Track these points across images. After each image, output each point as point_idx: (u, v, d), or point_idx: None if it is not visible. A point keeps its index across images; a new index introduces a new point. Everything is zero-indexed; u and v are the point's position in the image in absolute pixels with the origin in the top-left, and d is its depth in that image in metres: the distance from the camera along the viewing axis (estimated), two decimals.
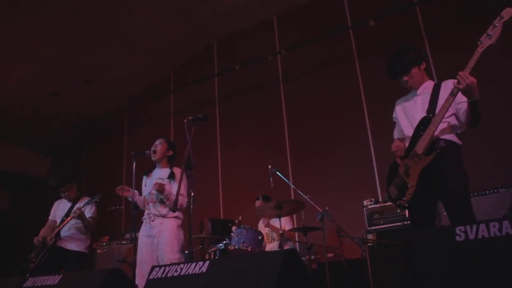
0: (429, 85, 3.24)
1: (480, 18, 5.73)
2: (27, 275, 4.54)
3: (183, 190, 3.98)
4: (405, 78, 3.22)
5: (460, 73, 2.77)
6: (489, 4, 5.62)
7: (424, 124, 3.02)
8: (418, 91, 3.25)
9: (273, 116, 7.47)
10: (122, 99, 9.32)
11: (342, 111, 6.78)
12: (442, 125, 3.01)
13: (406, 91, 3.41)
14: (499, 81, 5.47)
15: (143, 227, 4.35)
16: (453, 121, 3.08)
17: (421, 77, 3.24)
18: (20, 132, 9.02)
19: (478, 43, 2.84)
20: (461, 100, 2.94)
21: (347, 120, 6.71)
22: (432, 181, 2.98)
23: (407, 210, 4.08)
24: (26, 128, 9.02)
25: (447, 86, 3.06)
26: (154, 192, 4.26)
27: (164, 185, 4.16)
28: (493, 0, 5.59)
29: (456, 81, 2.82)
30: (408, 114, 3.28)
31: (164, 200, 4.17)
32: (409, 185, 3.02)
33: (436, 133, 2.98)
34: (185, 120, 3.57)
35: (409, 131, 3.19)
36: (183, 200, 4.11)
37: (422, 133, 3.00)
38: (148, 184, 4.42)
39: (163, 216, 4.23)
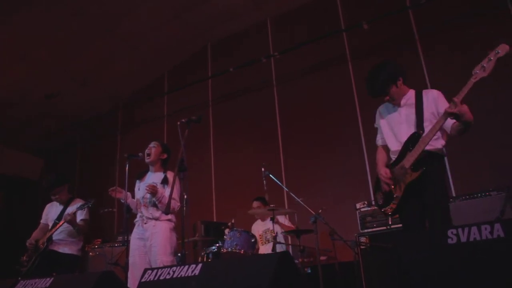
0: (411, 95, 3.31)
1: (472, 21, 5.78)
2: (19, 278, 4.51)
3: (175, 194, 3.98)
4: (386, 98, 3.32)
5: (453, 99, 2.86)
6: (482, 9, 5.69)
7: (413, 140, 3.11)
8: (401, 102, 3.32)
9: (266, 118, 7.47)
10: (116, 101, 9.29)
11: (335, 113, 6.79)
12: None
13: None
14: (491, 84, 5.50)
15: (135, 229, 4.33)
16: (440, 134, 3.16)
17: (400, 92, 3.30)
18: (13, 133, 8.96)
19: (472, 73, 2.90)
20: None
21: (340, 123, 6.72)
22: (418, 192, 3.08)
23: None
24: (19, 129, 8.96)
25: (429, 97, 3.20)
26: (148, 195, 4.25)
27: (157, 187, 4.15)
28: (485, 4, 5.67)
29: (438, 94, 3.14)
30: (392, 127, 3.36)
31: (157, 202, 4.16)
32: (394, 196, 3.15)
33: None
34: (179, 122, 3.56)
35: (394, 145, 3.30)
36: (175, 204, 4.11)
37: (411, 148, 3.10)
38: (141, 188, 4.40)
39: (156, 219, 4.22)
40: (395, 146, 3.28)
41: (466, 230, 2.07)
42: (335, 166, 6.52)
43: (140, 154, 4.40)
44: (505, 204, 4.20)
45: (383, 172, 3.27)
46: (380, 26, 6.39)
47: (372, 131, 6.22)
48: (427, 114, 3.14)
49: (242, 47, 8.08)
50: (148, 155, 4.42)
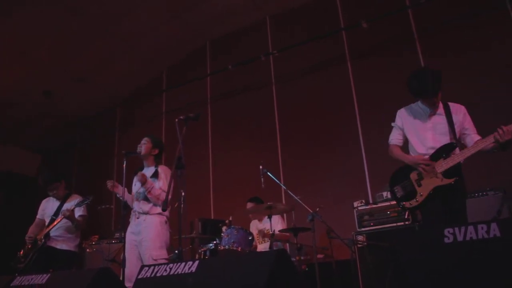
0: (440, 105, 3.47)
1: (472, 22, 5.78)
2: (16, 274, 4.50)
3: (165, 186, 4.03)
4: (433, 100, 3.42)
5: (504, 128, 3.05)
6: (481, 9, 5.69)
7: (448, 149, 3.29)
8: (431, 110, 3.47)
9: (265, 117, 7.46)
10: (115, 99, 9.27)
11: (334, 112, 6.78)
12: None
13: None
14: (492, 82, 5.50)
15: (129, 225, 4.39)
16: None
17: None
18: (11, 130, 8.95)
19: None
20: (469, 132, 3.38)
21: (339, 122, 6.71)
22: (442, 195, 3.26)
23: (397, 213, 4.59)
24: (18, 127, 8.94)
25: (458, 112, 3.42)
26: (141, 190, 4.30)
27: (146, 176, 4.20)
28: (484, 5, 5.67)
29: (465, 110, 3.39)
30: (418, 132, 3.50)
31: (146, 193, 4.21)
32: (419, 194, 3.30)
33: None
34: (177, 120, 3.57)
35: (420, 149, 3.46)
36: (163, 195, 4.13)
37: (444, 155, 3.28)
38: (137, 183, 4.44)
39: (146, 213, 4.29)
40: (421, 150, 3.44)
41: (462, 229, 2.08)
42: (335, 166, 6.51)
43: (137, 150, 4.46)
44: (502, 204, 4.22)
45: (421, 157, 3.38)
46: (380, 26, 6.38)
47: (371, 131, 6.29)
48: (457, 126, 3.37)
49: (241, 46, 8.07)
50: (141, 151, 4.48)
